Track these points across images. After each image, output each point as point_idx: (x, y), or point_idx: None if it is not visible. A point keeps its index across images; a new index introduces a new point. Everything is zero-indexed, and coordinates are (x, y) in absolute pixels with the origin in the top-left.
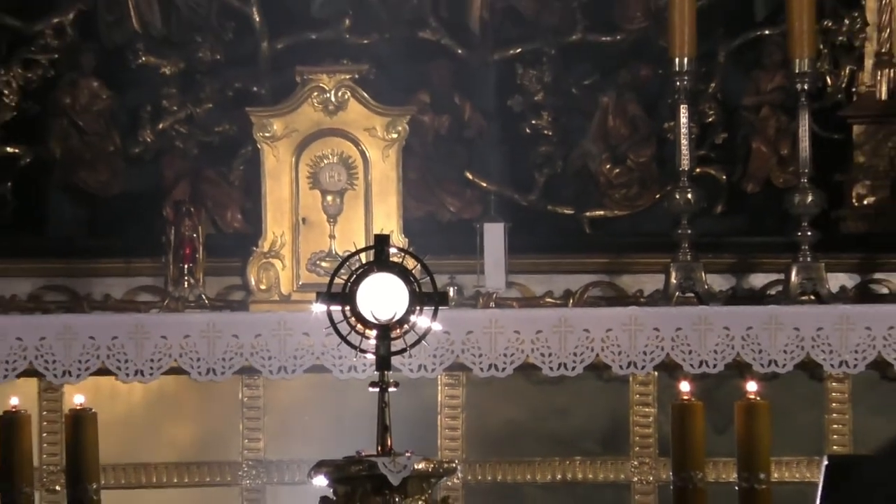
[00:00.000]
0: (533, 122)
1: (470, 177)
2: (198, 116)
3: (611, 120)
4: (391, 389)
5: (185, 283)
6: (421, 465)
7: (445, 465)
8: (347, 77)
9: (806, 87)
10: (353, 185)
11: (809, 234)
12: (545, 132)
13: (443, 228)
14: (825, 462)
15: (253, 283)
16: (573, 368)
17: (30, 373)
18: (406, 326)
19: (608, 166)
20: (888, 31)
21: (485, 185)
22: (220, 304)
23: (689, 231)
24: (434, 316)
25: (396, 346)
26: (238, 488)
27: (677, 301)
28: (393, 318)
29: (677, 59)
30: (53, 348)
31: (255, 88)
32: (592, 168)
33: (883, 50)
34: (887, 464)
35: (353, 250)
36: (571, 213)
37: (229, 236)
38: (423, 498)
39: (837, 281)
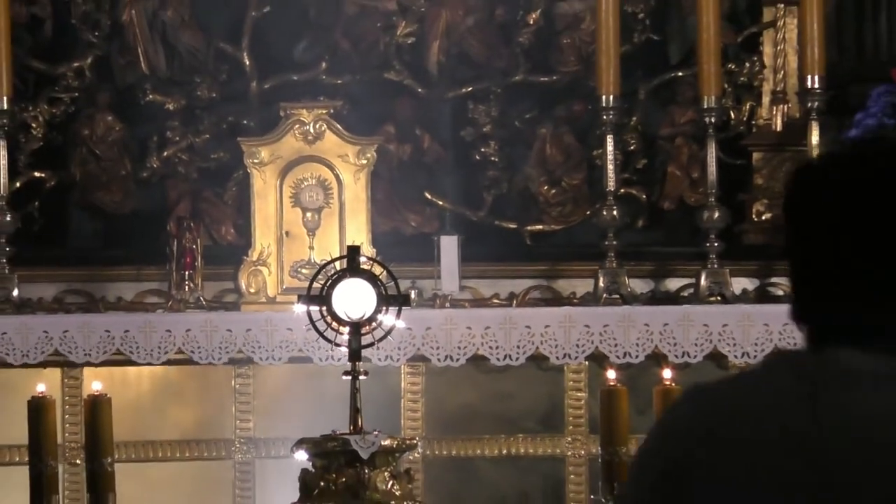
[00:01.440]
0: (482, 150)
1: (429, 196)
2: (197, 145)
3: (548, 148)
4: (361, 377)
5: (186, 287)
6: (387, 442)
7: (408, 442)
8: (324, 112)
9: (713, 121)
10: (328, 203)
11: (716, 245)
12: (492, 159)
13: (405, 240)
14: None
15: (244, 287)
16: (516, 359)
17: (54, 363)
18: (374, 324)
19: (546, 188)
20: (782, 73)
21: (441, 203)
22: (216, 304)
23: (615, 242)
24: (398, 315)
25: (366, 340)
26: (231, 462)
27: (605, 302)
28: (363, 316)
29: (604, 97)
30: (75, 338)
31: (245, 121)
32: (532, 189)
33: (777, 89)
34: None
35: (329, 259)
36: (515, 227)
37: (224, 247)
38: (388, 470)
39: (740, 285)
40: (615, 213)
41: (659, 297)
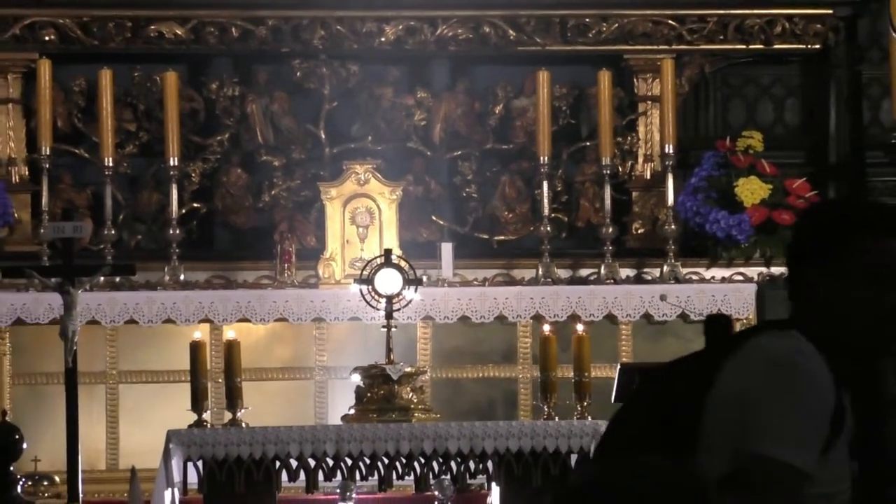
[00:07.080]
0: (467, 190)
1: (434, 219)
2: (292, 188)
3: (507, 189)
4: (393, 329)
5: (286, 274)
6: (408, 369)
7: (421, 369)
8: (370, 166)
9: (608, 172)
10: (373, 222)
11: (610, 248)
12: (473, 195)
13: (420, 245)
14: (618, 367)
15: (321, 273)
16: (488, 318)
17: (205, 320)
18: (401, 297)
19: (506, 213)
20: (650, 143)
21: (442, 223)
22: (304, 285)
23: (548, 247)
24: (415, 291)
25: (396, 307)
26: (313, 381)
27: (542, 283)
28: (394, 292)
29: (541, 158)
30: (217, 306)
31: (322, 173)
32: (498, 214)
33: (647, 153)
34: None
35: (373, 257)
36: (486, 237)
37: (309, 249)
38: (409, 386)
39: (625, 272)
40: (548, 229)
41: (575, 281)
